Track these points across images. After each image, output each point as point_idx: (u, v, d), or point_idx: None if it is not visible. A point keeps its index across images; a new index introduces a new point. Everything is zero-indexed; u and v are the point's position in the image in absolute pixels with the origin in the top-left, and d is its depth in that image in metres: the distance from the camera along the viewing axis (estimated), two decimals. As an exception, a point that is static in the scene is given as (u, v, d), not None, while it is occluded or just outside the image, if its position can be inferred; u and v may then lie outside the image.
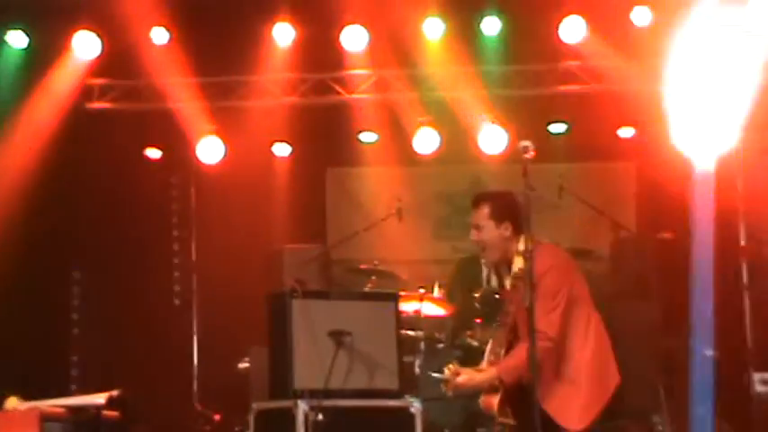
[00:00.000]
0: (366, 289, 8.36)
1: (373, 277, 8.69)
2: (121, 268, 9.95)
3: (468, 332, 8.01)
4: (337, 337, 6.78)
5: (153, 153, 10.48)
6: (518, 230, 5.51)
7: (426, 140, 10.14)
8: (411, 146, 10.21)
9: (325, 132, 10.40)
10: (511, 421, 5.46)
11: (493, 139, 10.01)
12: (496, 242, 5.54)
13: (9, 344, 8.72)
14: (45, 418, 4.85)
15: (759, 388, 8.34)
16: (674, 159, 9.75)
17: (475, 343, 7.88)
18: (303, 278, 8.04)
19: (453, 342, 7.98)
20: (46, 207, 9.25)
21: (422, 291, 8.27)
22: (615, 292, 8.07)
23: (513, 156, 9.14)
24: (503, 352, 5.52)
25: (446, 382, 5.53)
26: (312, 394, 6.59)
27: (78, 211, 9.52)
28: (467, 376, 5.49)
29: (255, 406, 7.06)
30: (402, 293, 7.75)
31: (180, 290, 10.41)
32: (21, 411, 4.90)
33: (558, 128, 10.40)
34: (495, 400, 5.47)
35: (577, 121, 10.29)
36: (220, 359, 9.34)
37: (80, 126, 9.76)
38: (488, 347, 5.66)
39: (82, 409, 5.29)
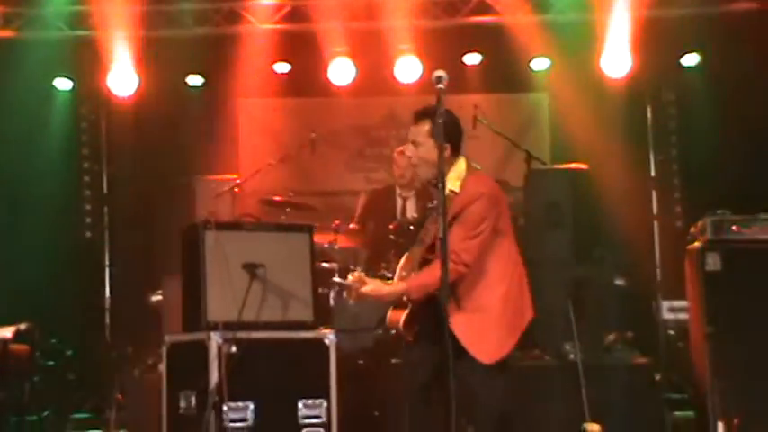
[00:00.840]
0: (280, 221, 8.32)
1: (287, 209, 8.65)
2: (32, 200, 9.77)
3: (383, 264, 8.03)
4: (251, 269, 6.73)
5: (63, 84, 10.27)
6: (456, 152, 5.44)
7: (341, 71, 10.07)
8: (326, 77, 10.14)
9: (237, 63, 10.26)
10: (408, 337, 5.48)
11: (408, 69, 9.98)
12: (432, 161, 5.27)
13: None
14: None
15: (667, 315, 8.52)
16: (587, 90, 9.88)
17: (389, 274, 7.89)
18: (216, 210, 7.98)
19: (368, 274, 7.97)
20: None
21: (336, 222, 8.27)
22: (528, 222, 8.13)
23: (428, 87, 9.16)
24: (416, 269, 5.49)
25: (349, 288, 5.45)
26: (226, 326, 6.54)
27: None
28: (373, 286, 5.43)
29: (168, 338, 7.00)
30: (316, 225, 7.72)
31: (91, 222, 10.28)
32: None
33: (472, 58, 10.42)
34: (401, 316, 5.46)
35: (491, 52, 10.30)
36: (133, 291, 9.26)
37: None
38: (401, 262, 5.62)
39: (-11, 342, 5.20)
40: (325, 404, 6.71)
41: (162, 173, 9.96)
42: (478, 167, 5.56)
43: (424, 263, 5.47)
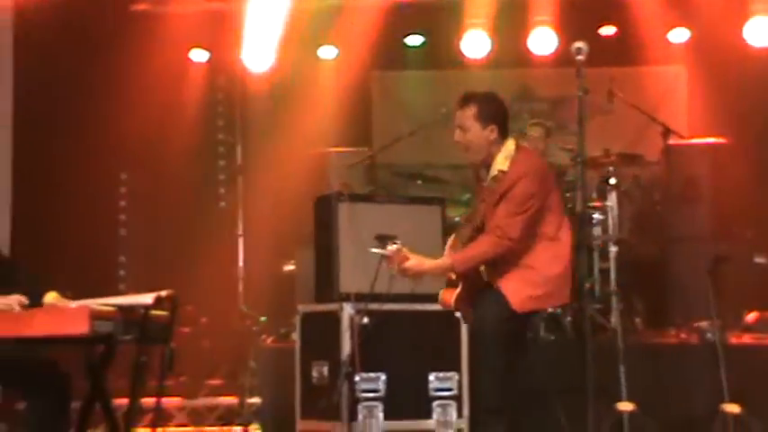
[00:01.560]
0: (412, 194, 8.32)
1: (419, 182, 8.65)
2: (168, 171, 9.96)
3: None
4: (383, 240, 6.74)
5: (199, 55, 10.42)
6: (503, 133, 5.52)
7: (476, 44, 10.00)
8: (459, 49, 10.08)
9: (371, 35, 10.26)
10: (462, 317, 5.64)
11: (543, 41, 9.87)
12: (481, 143, 5.50)
13: (59, 245, 8.80)
14: (95, 315, 4.86)
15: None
16: (728, 62, 9.60)
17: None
18: (349, 182, 8.01)
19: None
20: (93, 109, 9.26)
21: (467, 196, 8.23)
22: (666, 197, 7.99)
23: (562, 60, 9.04)
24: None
25: (390, 259, 5.50)
26: (358, 298, 6.59)
27: (125, 113, 9.49)
28: (415, 261, 5.48)
29: (301, 308, 7.08)
30: (447, 198, 7.71)
31: (225, 192, 10.43)
32: (72, 309, 4.92)
33: (608, 30, 10.24)
34: (452, 295, 5.53)
35: (627, 24, 10.10)
36: (266, 262, 9.38)
37: (124, 29, 9.69)
38: (449, 242, 5.69)
39: (130, 309, 5.31)
40: (456, 377, 6.72)
41: (295, 144, 10.05)
42: (527, 146, 5.70)
43: (471, 241, 5.52)
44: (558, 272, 5.48)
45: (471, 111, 5.52)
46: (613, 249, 7.57)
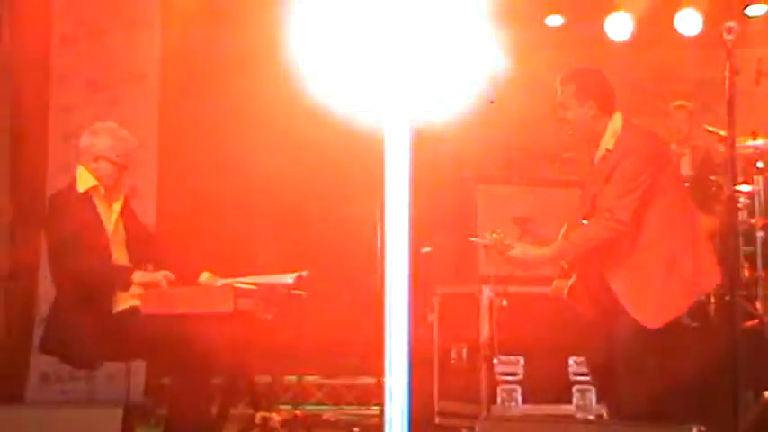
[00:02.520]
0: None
1: (556, 164, 8.57)
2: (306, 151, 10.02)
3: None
4: (521, 222, 6.70)
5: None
6: (604, 109, 5.28)
7: (619, 25, 9.84)
8: (603, 30, 9.93)
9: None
10: (578, 308, 5.26)
11: (689, 22, 9.65)
12: (583, 121, 5.27)
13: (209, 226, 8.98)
14: (238, 293, 4.96)
15: None
16: None
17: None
18: (487, 164, 7.98)
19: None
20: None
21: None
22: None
23: (708, 40, 8.82)
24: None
25: (489, 248, 5.26)
26: (497, 280, 6.56)
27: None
28: (520, 250, 5.26)
29: (440, 290, 7.10)
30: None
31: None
32: (217, 287, 5.03)
33: (756, 10, 9.94)
34: (566, 285, 5.30)
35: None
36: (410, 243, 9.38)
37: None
38: (563, 230, 5.43)
39: (272, 288, 5.40)
40: (596, 362, 6.64)
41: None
42: (637, 123, 5.36)
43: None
44: (679, 267, 5.12)
45: (570, 88, 5.32)
46: (760, 234, 7.37)
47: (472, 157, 9.21)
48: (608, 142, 5.24)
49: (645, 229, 5.15)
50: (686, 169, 8.32)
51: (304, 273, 5.52)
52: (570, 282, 5.32)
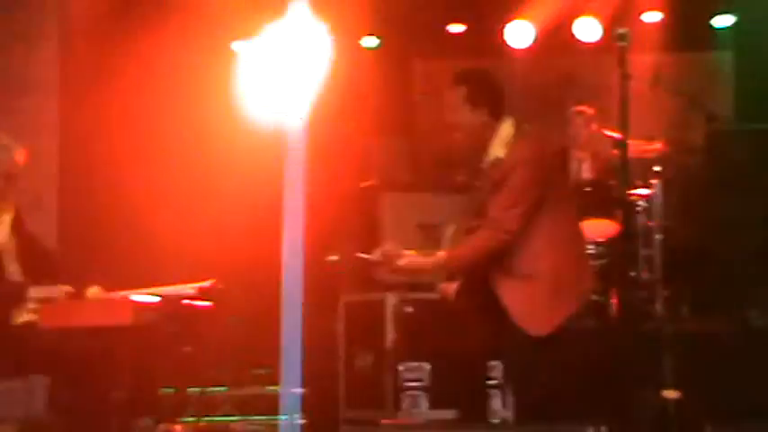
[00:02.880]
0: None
1: (464, 170, 8.62)
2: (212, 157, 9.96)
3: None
4: (426, 230, 6.75)
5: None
6: (495, 115, 5.20)
7: (519, 33, 9.95)
8: (502, 38, 10.03)
9: (413, 23, 10.25)
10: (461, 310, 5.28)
11: (588, 29, 9.81)
12: (471, 126, 5.19)
13: (109, 236, 8.87)
14: (138, 306, 4.91)
15: None
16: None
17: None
18: (392, 171, 8.01)
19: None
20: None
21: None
22: (711, 183, 7.92)
23: (605, 47, 8.96)
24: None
25: (377, 264, 5.22)
26: (402, 287, 6.59)
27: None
28: (408, 259, 5.18)
29: (345, 298, 7.10)
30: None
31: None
32: (115, 300, 4.97)
33: (652, 16, 10.15)
34: (452, 288, 5.30)
35: (671, 10, 10.01)
36: (309, 252, 9.36)
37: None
38: (449, 232, 5.49)
39: (175, 299, 5.36)
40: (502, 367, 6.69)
41: (336, 134, 10.04)
42: (529, 130, 5.28)
43: (471, 233, 5.27)
44: (564, 274, 5.15)
45: (461, 91, 5.23)
46: (658, 237, 7.52)
47: (379, 165, 9.26)
48: (498, 150, 5.16)
49: (534, 237, 5.13)
50: (586, 174, 8.46)
51: (207, 283, 5.49)
52: (456, 285, 5.31)
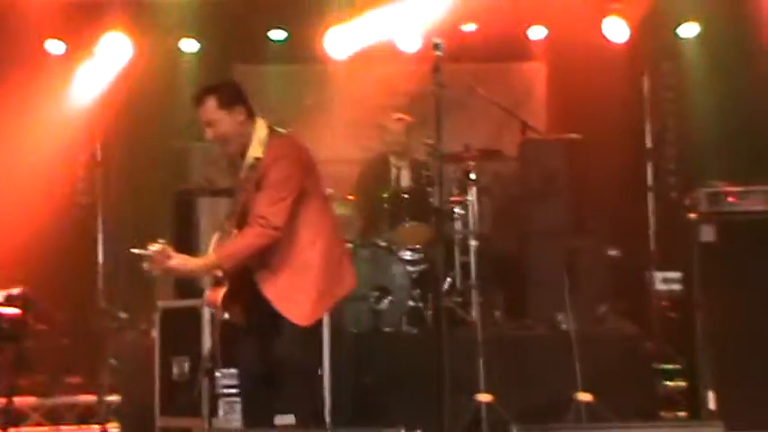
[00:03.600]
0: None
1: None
2: (23, 165, 9.69)
3: (377, 232, 8.03)
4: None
5: (55, 47, 10.16)
6: (251, 114, 5.42)
7: (339, 40, 10.00)
8: (322, 45, 10.07)
9: (233, 28, 10.19)
10: (229, 316, 5.43)
11: (407, 38, 9.94)
12: (235, 130, 5.35)
13: None
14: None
15: (660, 287, 8.51)
16: (585, 59, 9.83)
17: (383, 243, 7.89)
18: (212, 176, 7.93)
19: (362, 242, 7.97)
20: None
21: (329, 191, 8.22)
22: (524, 192, 8.13)
23: (423, 56, 9.09)
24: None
25: (151, 260, 5.20)
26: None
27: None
28: (179, 260, 5.24)
29: (161, 304, 7.00)
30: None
31: (84, 187, 10.21)
32: None
33: (468, 27, 10.34)
34: (219, 295, 5.36)
35: (487, 21, 10.22)
36: (126, 257, 9.19)
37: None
38: (214, 239, 5.51)
39: (-20, 307, 5.18)
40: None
41: (157, 138, 9.90)
42: (282, 131, 5.50)
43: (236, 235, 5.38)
44: (328, 269, 5.39)
45: (211, 104, 5.35)
46: (473, 243, 7.67)
47: (197, 168, 9.17)
48: (256, 150, 5.34)
49: (297, 233, 5.34)
50: (405, 181, 8.55)
51: (15, 291, 5.32)
52: (223, 291, 5.34)
